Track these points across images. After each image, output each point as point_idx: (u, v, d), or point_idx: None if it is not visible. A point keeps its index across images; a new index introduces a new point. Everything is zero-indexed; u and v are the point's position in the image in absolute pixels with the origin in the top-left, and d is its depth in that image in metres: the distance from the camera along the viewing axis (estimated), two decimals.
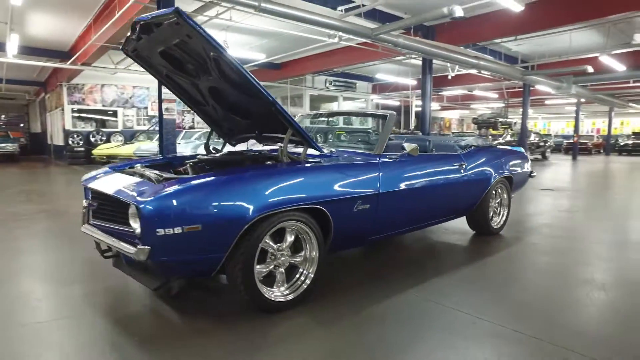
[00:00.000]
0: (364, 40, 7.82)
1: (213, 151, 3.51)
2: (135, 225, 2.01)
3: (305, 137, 2.61)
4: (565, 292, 2.76)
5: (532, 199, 6.64)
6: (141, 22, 2.34)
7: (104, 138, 14.56)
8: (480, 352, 1.94)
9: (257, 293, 2.21)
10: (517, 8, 6.26)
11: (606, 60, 10.43)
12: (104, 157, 11.68)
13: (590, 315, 2.42)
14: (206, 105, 3.25)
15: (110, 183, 2.29)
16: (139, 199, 1.91)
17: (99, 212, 2.40)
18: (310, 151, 2.74)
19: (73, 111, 14.34)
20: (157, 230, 1.87)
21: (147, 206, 1.84)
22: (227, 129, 3.49)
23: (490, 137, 22.86)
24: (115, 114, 15.35)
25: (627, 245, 4.00)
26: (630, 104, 21.96)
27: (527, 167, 4.62)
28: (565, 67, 12.05)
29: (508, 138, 21.47)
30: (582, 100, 19.92)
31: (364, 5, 7.02)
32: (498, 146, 4.38)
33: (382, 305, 2.47)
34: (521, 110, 16.27)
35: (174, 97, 5.66)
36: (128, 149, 11.14)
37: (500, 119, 23.03)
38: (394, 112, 3.29)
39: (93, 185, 2.33)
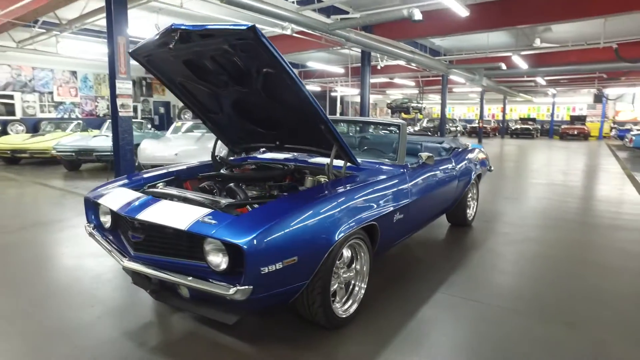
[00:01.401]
0: (318, 33, 7.82)
1: (219, 160, 3.36)
2: (217, 261, 1.90)
3: (348, 153, 2.65)
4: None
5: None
6: (180, 30, 2.15)
7: None
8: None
9: (331, 312, 2.25)
10: (464, 13, 6.80)
11: (516, 59, 11.88)
12: (8, 152, 10.04)
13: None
14: (218, 114, 3.08)
15: (163, 213, 2.08)
16: (238, 237, 1.78)
17: (147, 245, 2.17)
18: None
19: None
20: (262, 269, 1.80)
21: (252, 245, 1.75)
22: (236, 138, 3.34)
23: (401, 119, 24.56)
24: (11, 99, 13.22)
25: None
26: (520, 94, 25.23)
27: (488, 162, 5.19)
28: (481, 62, 13.38)
29: (425, 124, 23.20)
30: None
31: (321, 1, 7.01)
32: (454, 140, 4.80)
33: (428, 305, 2.68)
34: (431, 96, 17.69)
35: (129, 92, 5.19)
36: (43, 143, 9.73)
37: (412, 104, 24.79)
38: (405, 122, 3.46)
39: (143, 216, 2.08)
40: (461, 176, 4.10)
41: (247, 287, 1.77)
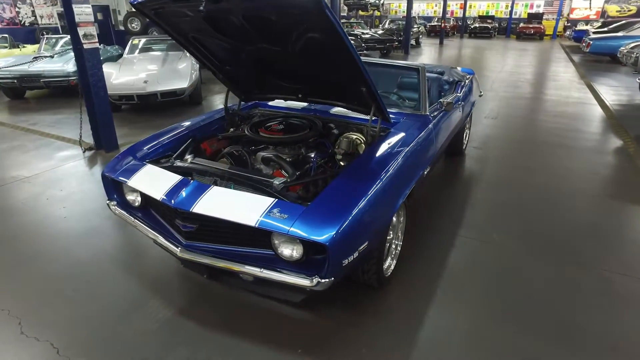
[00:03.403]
0: None
1: (230, 112, 3.13)
2: (289, 252, 1.90)
3: (385, 111, 2.55)
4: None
5: None
6: None
7: None
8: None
9: (382, 275, 2.39)
10: None
11: None
12: None
13: None
14: (234, 66, 2.79)
15: (222, 205, 1.96)
16: (318, 234, 1.74)
17: (201, 234, 2.09)
18: None
19: None
20: (343, 261, 1.83)
21: (334, 241, 1.73)
22: (251, 89, 3.08)
23: (362, 21, 23.41)
24: None
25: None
26: None
27: (479, 88, 5.22)
28: None
29: (387, 25, 22.19)
30: None
31: None
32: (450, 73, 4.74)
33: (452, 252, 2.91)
34: None
35: (91, 18, 4.50)
36: None
37: (370, 0, 23.44)
38: (424, 65, 3.32)
39: (200, 209, 1.93)
40: (465, 109, 4.14)
41: (328, 279, 1.81)
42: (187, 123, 3.06)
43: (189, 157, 2.49)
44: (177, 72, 7.06)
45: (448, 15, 30.97)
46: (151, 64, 7.28)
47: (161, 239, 2.18)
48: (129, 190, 2.45)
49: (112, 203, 2.52)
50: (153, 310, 2.34)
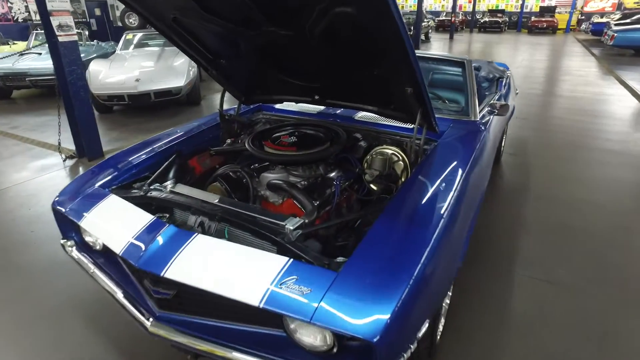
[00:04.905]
0: None
1: (227, 117, 2.48)
2: (311, 341, 1.25)
3: (433, 119, 1.89)
4: None
5: None
6: None
7: None
8: None
9: (435, 345, 1.74)
10: None
11: None
12: None
13: None
14: (230, 60, 2.14)
15: (209, 267, 1.31)
16: (358, 327, 1.09)
17: (180, 304, 1.44)
18: None
19: None
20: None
21: (384, 337, 1.07)
22: (253, 88, 2.43)
23: None
24: None
25: None
26: None
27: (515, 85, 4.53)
28: None
29: None
30: None
31: None
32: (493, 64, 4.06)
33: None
34: None
35: (67, 5, 3.87)
36: None
37: None
38: (469, 58, 2.65)
39: (177, 275, 1.28)
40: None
41: None
42: (177, 132, 2.41)
43: (168, 183, 1.84)
44: (173, 69, 6.42)
45: (457, 10, 30.08)
46: (145, 60, 6.64)
47: (126, 304, 1.54)
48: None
49: (68, 243, 1.88)
50: None
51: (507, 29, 27.21)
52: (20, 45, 10.37)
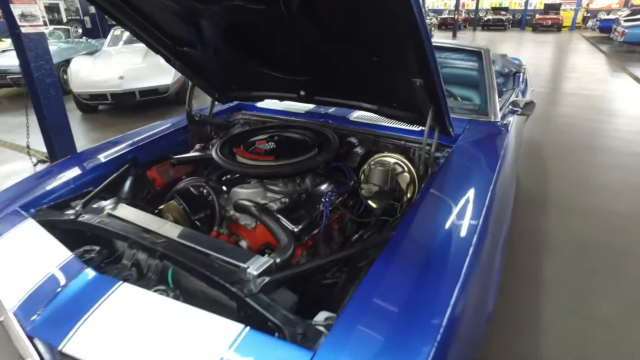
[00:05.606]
0: None
1: (196, 118, 2.08)
2: None
3: (447, 120, 1.48)
4: None
5: None
6: None
7: None
8: None
9: None
10: None
11: None
12: None
13: None
14: (195, 48, 1.73)
15: (133, 338, 0.91)
16: None
17: None
18: None
19: None
20: None
21: None
22: (226, 84, 2.03)
23: None
24: None
25: None
26: None
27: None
28: None
29: None
30: None
31: None
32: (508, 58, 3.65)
33: None
34: None
35: None
36: None
37: None
38: (488, 47, 2.24)
39: (75, 349, 0.88)
40: None
41: None
42: (135, 135, 2.01)
43: (107, 203, 1.42)
44: (160, 66, 5.99)
45: (460, 8, 29.64)
46: (132, 57, 6.24)
47: None
48: None
49: None
50: None
51: (511, 26, 26.72)
52: (7, 41, 10.00)
